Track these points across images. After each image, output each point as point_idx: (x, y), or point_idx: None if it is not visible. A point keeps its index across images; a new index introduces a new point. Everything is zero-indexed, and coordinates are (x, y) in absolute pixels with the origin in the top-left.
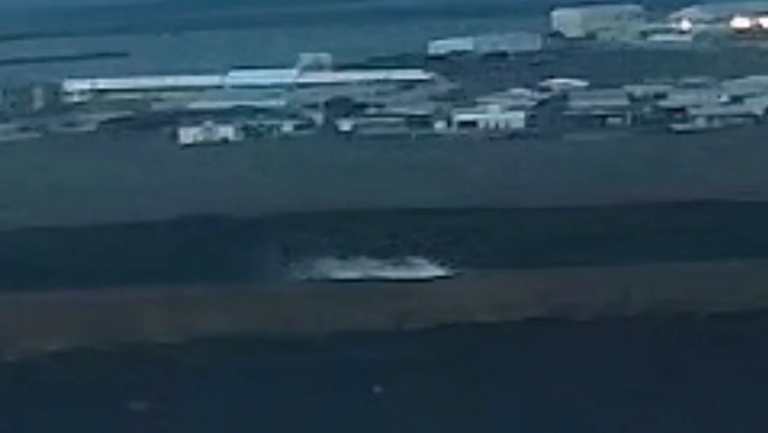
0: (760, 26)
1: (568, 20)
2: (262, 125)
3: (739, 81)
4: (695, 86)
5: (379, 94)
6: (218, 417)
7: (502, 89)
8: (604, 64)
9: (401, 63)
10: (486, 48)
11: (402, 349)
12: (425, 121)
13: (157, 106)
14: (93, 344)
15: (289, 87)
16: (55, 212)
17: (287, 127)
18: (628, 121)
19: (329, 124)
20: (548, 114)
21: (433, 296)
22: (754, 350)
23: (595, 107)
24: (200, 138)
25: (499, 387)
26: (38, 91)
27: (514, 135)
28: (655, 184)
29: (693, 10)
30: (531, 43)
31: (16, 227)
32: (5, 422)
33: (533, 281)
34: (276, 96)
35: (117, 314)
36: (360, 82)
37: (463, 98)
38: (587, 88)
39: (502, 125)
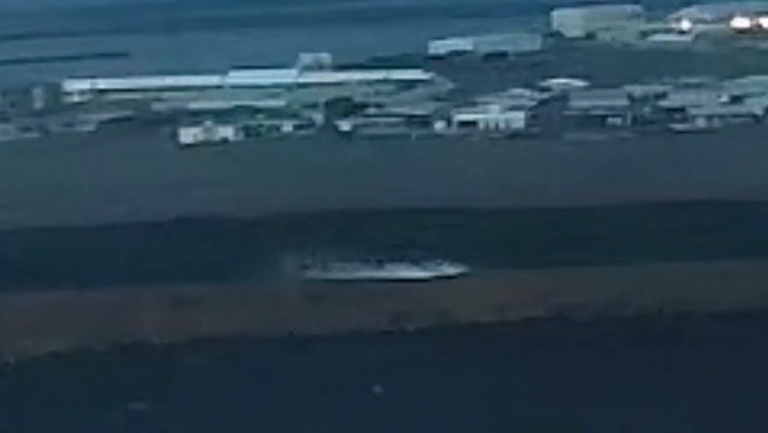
0: (760, 26)
1: (568, 20)
2: (262, 125)
3: (739, 81)
4: (695, 86)
5: (379, 94)
6: (218, 417)
7: (502, 89)
8: (604, 64)
9: (401, 63)
10: (486, 48)
11: (402, 349)
12: (425, 121)
13: (157, 106)
14: (93, 344)
15: (289, 87)
16: (55, 212)
17: (287, 127)
18: (628, 121)
19: (329, 124)
20: (548, 114)
21: (433, 296)
22: (753, 349)
23: (595, 107)
24: (200, 138)
25: (499, 387)
26: (38, 91)
27: (514, 135)
28: (654, 184)
29: (693, 10)
30: (531, 43)
31: (16, 227)
32: (5, 422)
33: (533, 281)
34: (276, 96)
35: (117, 314)
36: (360, 82)
37: (463, 98)
38: (587, 88)
39: (502, 125)
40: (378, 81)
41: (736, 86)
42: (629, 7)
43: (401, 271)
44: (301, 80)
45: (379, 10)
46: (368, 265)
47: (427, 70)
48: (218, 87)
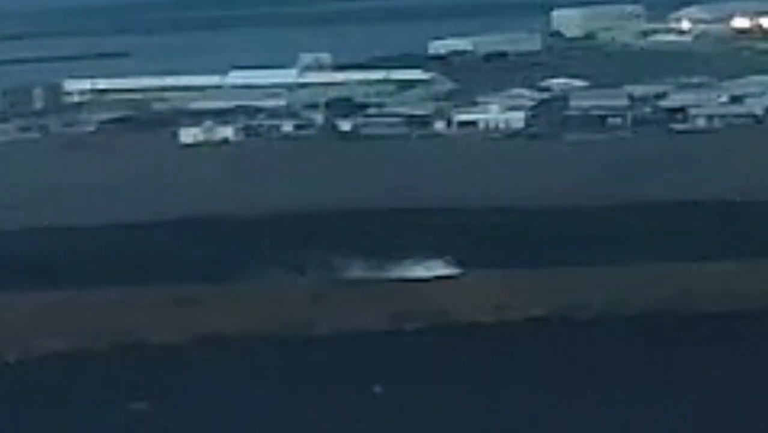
0: (760, 26)
1: (568, 20)
2: (262, 125)
3: (739, 81)
4: (695, 86)
5: (379, 94)
6: (218, 417)
7: (502, 89)
8: (604, 64)
9: (401, 63)
10: (486, 48)
11: (402, 349)
12: (425, 121)
13: (157, 106)
14: (93, 344)
15: (289, 87)
16: (55, 212)
17: (287, 127)
18: (628, 121)
19: (329, 124)
20: (548, 114)
21: (433, 296)
22: (753, 349)
23: (595, 107)
24: (200, 138)
25: (499, 387)
26: (38, 91)
27: (514, 135)
28: (655, 185)
29: (693, 10)
30: (531, 43)
31: (17, 227)
32: (5, 422)
33: (533, 280)
34: (276, 96)
35: (117, 314)
36: (360, 82)
37: (463, 98)
38: (587, 88)
39: (502, 125)
40: (378, 81)
41: (736, 86)
42: (629, 7)
43: (401, 271)
44: (301, 80)
45: (379, 10)
46: (368, 265)
47: (427, 70)
48: (218, 87)
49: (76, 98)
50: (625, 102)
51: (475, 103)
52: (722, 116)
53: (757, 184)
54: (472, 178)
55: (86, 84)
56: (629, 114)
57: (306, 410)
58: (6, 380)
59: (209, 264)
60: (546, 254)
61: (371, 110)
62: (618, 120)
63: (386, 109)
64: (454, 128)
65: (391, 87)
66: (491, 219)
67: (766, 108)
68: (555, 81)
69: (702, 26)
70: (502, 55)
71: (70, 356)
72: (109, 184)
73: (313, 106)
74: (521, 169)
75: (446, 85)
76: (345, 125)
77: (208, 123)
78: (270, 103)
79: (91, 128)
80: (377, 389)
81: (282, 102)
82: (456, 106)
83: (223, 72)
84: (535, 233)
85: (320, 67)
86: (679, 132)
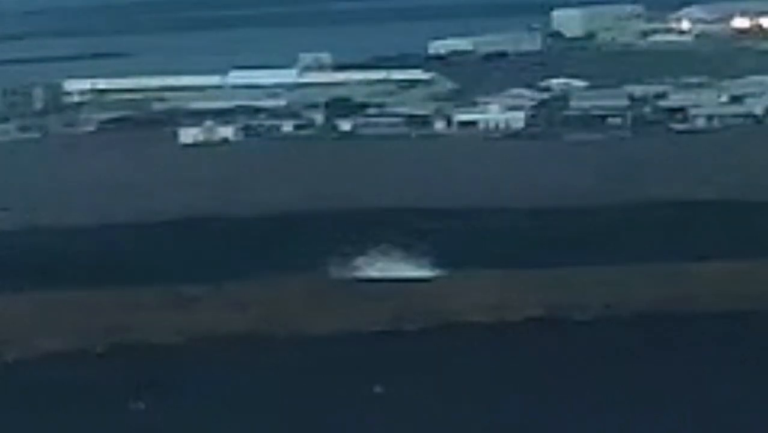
0: (760, 26)
1: (568, 20)
2: (262, 125)
3: (739, 81)
4: (695, 86)
5: (379, 94)
6: (218, 417)
7: (502, 89)
8: (604, 64)
9: (401, 63)
10: (486, 48)
11: (402, 349)
12: (425, 121)
13: (157, 106)
14: (93, 344)
15: (289, 87)
16: (55, 212)
17: (287, 127)
18: (628, 121)
19: (329, 124)
20: (548, 114)
21: (433, 295)
22: (753, 349)
23: (595, 107)
24: (200, 138)
25: (498, 387)
26: (38, 91)
27: (514, 135)
28: (655, 184)
29: (693, 10)
30: (531, 43)
31: (17, 227)
32: (5, 422)
33: (532, 281)
34: (276, 96)
35: (117, 314)
36: (360, 82)
37: (463, 98)
38: (587, 88)
39: (502, 125)
40: (378, 81)
41: (736, 86)
42: (629, 7)
43: (401, 271)
44: (301, 80)
45: (379, 10)
46: (368, 264)
47: (427, 70)
48: (218, 87)
49: (76, 98)
50: (625, 102)
51: (475, 103)
52: (722, 116)
53: (757, 184)
54: (472, 178)
55: (86, 84)
56: (629, 114)
57: (306, 409)
58: (6, 380)
59: (209, 264)
60: (546, 253)
61: (371, 110)
62: (618, 120)
63: (386, 109)
64: (454, 128)
65: (391, 87)
66: (491, 219)
67: (766, 108)
68: (555, 81)
69: (702, 26)
70: (502, 55)
71: (70, 356)
72: (108, 184)
73: (313, 106)
74: (521, 169)
75: (446, 85)
76: (345, 125)
77: (208, 123)
78: (270, 103)
79: (91, 128)
80: (377, 389)
81: (282, 102)
82: (456, 106)
83: (223, 72)
84: (535, 233)
85: (320, 67)
86: (679, 132)
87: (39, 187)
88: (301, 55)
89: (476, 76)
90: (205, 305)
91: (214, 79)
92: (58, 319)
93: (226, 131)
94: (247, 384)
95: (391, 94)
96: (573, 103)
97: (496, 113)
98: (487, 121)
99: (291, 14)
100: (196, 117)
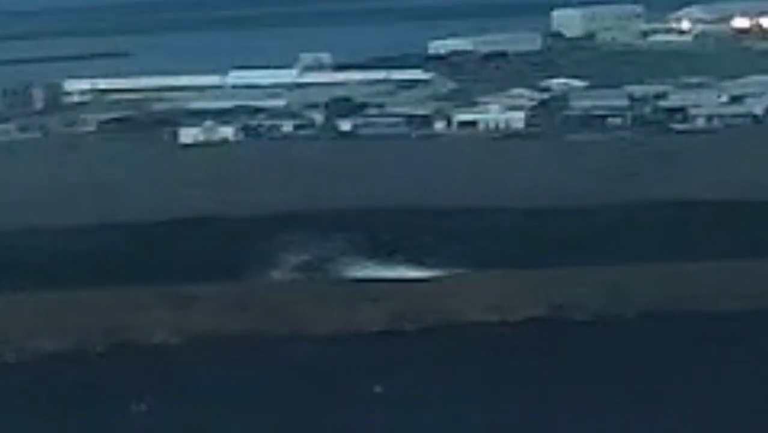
0: (760, 26)
1: (568, 20)
2: (262, 125)
3: (739, 81)
4: (695, 86)
5: (379, 94)
6: (218, 417)
7: (502, 89)
8: (604, 64)
9: (401, 63)
10: (486, 48)
11: (402, 349)
12: (425, 121)
13: (157, 106)
14: (92, 344)
15: (289, 87)
16: (55, 212)
17: (287, 127)
18: (628, 121)
19: (329, 124)
20: (548, 114)
21: (433, 295)
22: (754, 349)
23: (595, 107)
24: (200, 138)
25: (498, 387)
26: (38, 91)
27: (514, 135)
28: (655, 184)
29: (693, 10)
30: (531, 43)
31: (17, 227)
32: (5, 422)
33: (532, 281)
34: (276, 96)
35: (117, 314)
36: (360, 82)
37: (463, 98)
38: (587, 88)
39: (502, 125)
40: (378, 81)
41: (736, 86)
42: (629, 7)
43: (401, 271)
44: (301, 80)
45: (379, 10)
46: (368, 264)
47: (427, 70)
48: (218, 87)
49: (76, 98)
50: (625, 102)
51: (475, 103)
52: (722, 116)
53: (757, 184)
54: (472, 178)
55: (86, 84)
56: (629, 114)
57: (306, 409)
58: (6, 380)
59: (208, 264)
60: (546, 253)
61: (371, 110)
62: (618, 120)
63: (386, 109)
64: (454, 128)
65: (391, 87)
66: (491, 219)
67: (766, 108)
68: (555, 81)
69: (702, 26)
70: (502, 55)
71: (70, 356)
72: (108, 184)
73: (313, 106)
74: (521, 169)
75: (446, 85)
76: (345, 125)
77: (207, 123)
78: (270, 103)
79: (91, 128)
80: (377, 389)
81: (282, 102)
82: (456, 106)
83: (223, 72)
84: (535, 232)
85: (320, 67)
86: (679, 132)
87: (39, 187)
88: (301, 55)
89: (476, 76)
90: (205, 305)
91: (213, 79)
92: (58, 319)
93: (226, 131)
94: (248, 384)
95: (391, 94)
96: (573, 103)
97: (496, 113)
98: (487, 121)
99: (291, 14)
100: (196, 117)
